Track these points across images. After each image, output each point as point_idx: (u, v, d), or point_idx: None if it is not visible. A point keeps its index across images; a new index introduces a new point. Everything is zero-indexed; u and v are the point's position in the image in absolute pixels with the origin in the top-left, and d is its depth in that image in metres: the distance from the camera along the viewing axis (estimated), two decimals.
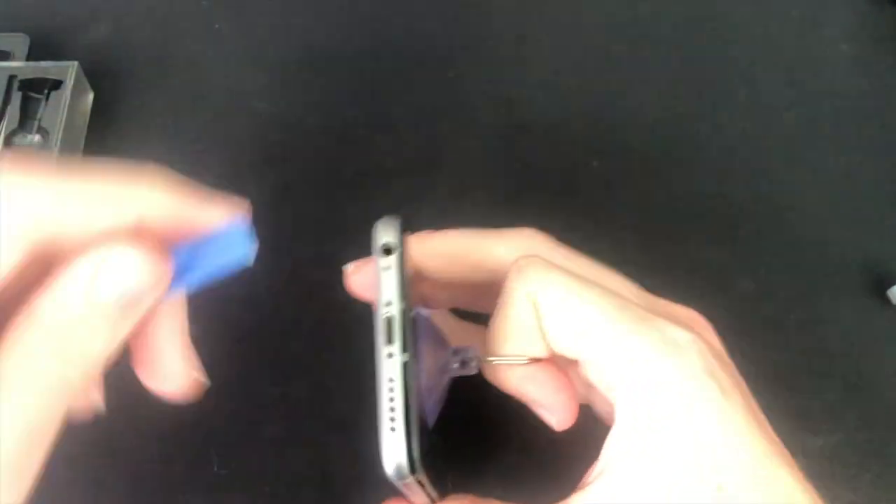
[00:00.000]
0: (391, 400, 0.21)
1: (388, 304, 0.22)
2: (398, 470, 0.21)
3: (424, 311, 0.28)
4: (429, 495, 0.24)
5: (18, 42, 0.45)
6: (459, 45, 0.48)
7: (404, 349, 0.22)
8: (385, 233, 0.24)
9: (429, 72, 0.47)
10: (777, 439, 0.25)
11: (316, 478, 0.36)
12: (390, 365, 0.21)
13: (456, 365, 0.26)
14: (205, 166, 0.43)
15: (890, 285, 0.40)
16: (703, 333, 0.25)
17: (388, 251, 0.23)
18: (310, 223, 0.42)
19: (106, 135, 0.44)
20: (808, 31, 0.49)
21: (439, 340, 0.27)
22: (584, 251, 0.29)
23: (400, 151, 0.44)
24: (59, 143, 0.41)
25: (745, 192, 0.43)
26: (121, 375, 0.24)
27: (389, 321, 0.22)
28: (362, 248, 0.41)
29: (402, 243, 0.24)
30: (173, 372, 0.22)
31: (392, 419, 0.21)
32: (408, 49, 0.48)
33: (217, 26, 0.48)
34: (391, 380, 0.21)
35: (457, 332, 0.31)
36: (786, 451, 0.25)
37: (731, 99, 0.46)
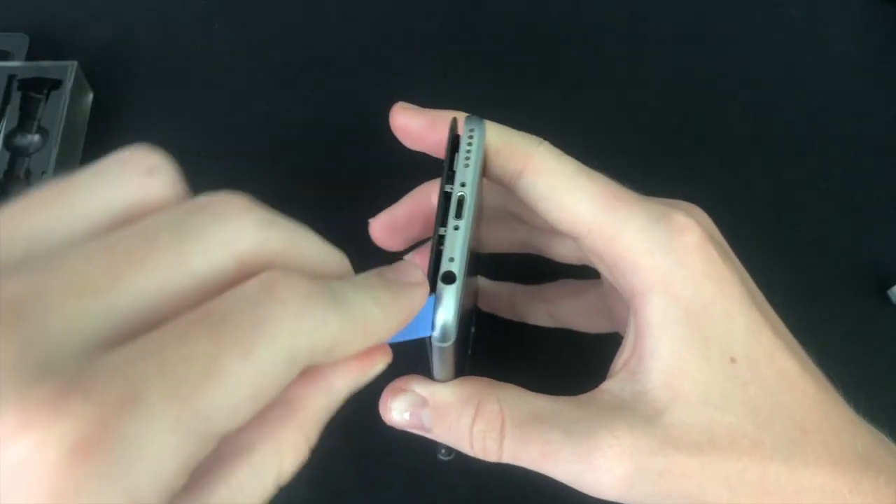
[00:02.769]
0: (451, 261, 0.22)
1: (463, 185, 0.23)
2: (444, 329, 0.21)
3: None
4: (450, 372, 0.25)
5: (18, 42, 0.45)
6: (459, 45, 0.48)
7: (468, 227, 0.23)
8: (472, 121, 0.25)
9: (429, 72, 0.47)
10: (770, 310, 0.27)
11: (316, 478, 0.36)
12: (455, 235, 0.22)
13: None
14: (205, 166, 0.43)
15: (890, 285, 0.40)
16: (699, 217, 0.27)
17: (471, 135, 0.24)
18: (310, 223, 0.42)
19: (106, 135, 0.44)
20: (808, 31, 0.49)
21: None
22: None
23: (400, 151, 0.44)
24: (58, 142, 0.41)
25: (746, 191, 0.43)
26: None
27: (461, 200, 0.23)
28: (362, 248, 0.41)
29: (483, 135, 0.25)
30: None
31: (448, 278, 0.21)
32: (408, 49, 0.48)
33: (217, 26, 0.48)
34: (452, 246, 0.22)
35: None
36: (779, 322, 0.26)
37: (731, 99, 0.46)
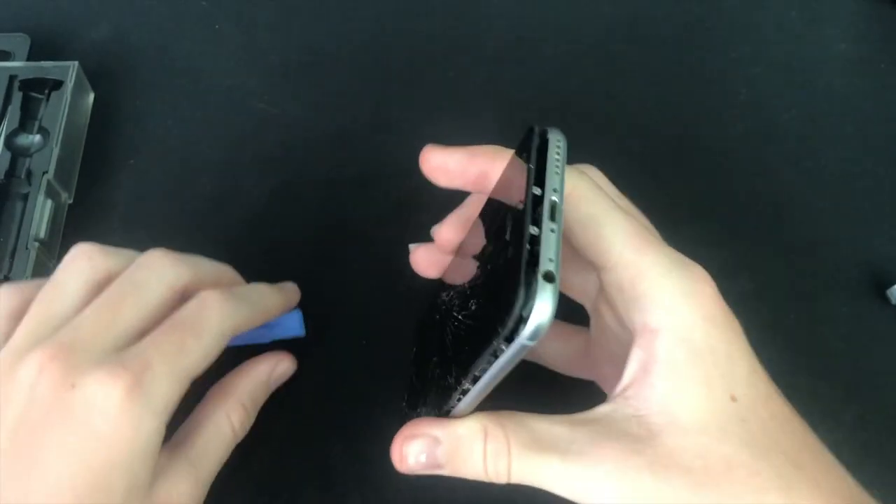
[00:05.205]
0: (550, 261, 0.22)
1: (555, 190, 0.24)
2: (539, 328, 0.22)
3: None
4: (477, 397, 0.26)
5: (19, 42, 0.45)
6: (460, 45, 0.48)
7: (561, 231, 0.23)
8: (557, 132, 0.25)
9: (429, 72, 0.47)
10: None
11: (316, 478, 0.36)
12: (552, 238, 0.23)
13: None
14: (205, 166, 0.43)
15: (890, 285, 0.40)
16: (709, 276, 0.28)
17: (558, 145, 0.25)
18: (310, 223, 0.42)
19: (106, 135, 0.44)
20: (808, 31, 0.49)
21: None
22: None
23: (400, 151, 0.44)
24: (59, 142, 0.41)
25: (745, 191, 0.43)
26: None
27: (554, 204, 0.23)
28: (362, 248, 0.41)
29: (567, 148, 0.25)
30: None
31: (547, 277, 0.22)
32: (408, 49, 0.48)
33: (217, 26, 0.48)
34: (550, 247, 0.23)
35: None
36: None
37: (731, 99, 0.46)
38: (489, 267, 0.27)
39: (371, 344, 0.39)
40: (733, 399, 0.25)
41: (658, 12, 0.49)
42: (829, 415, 0.37)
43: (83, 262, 0.31)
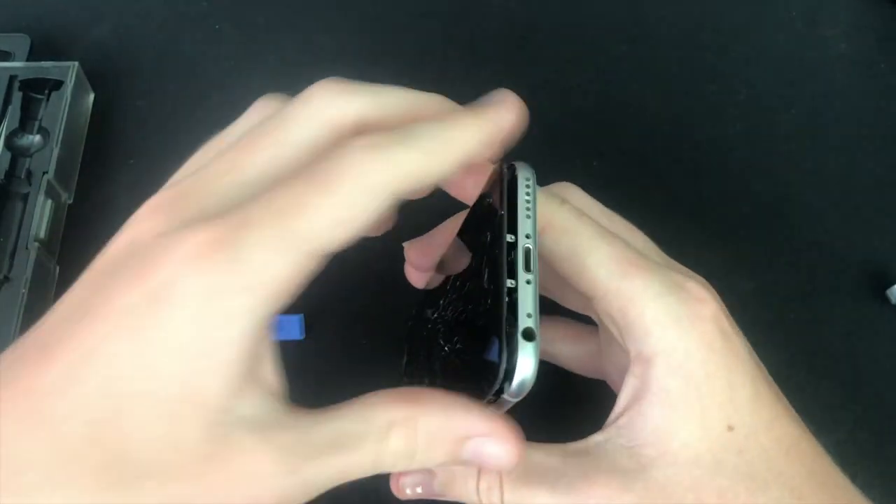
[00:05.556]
0: (528, 317, 0.22)
1: (528, 236, 0.23)
2: (522, 385, 0.22)
3: None
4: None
5: (19, 42, 0.45)
6: (459, 45, 0.48)
7: (537, 280, 0.23)
8: (525, 169, 0.25)
9: (429, 72, 0.47)
10: (772, 381, 0.27)
11: None
12: (528, 290, 0.23)
13: None
14: None
15: (890, 285, 0.40)
16: (711, 290, 0.27)
17: (527, 184, 0.24)
18: None
19: (106, 135, 0.44)
20: (807, 31, 0.49)
21: None
22: None
23: None
24: (59, 142, 0.41)
25: (745, 191, 0.43)
26: None
27: (528, 252, 0.23)
28: (362, 248, 0.41)
29: (536, 183, 0.25)
30: None
31: (527, 335, 0.22)
32: (407, 49, 0.48)
33: (217, 26, 0.48)
34: (527, 301, 0.22)
35: None
36: (780, 393, 0.27)
37: (731, 99, 0.46)
38: (469, 306, 0.26)
39: (371, 344, 0.39)
40: (730, 428, 0.24)
41: (658, 12, 0.49)
42: (830, 415, 0.37)
43: (318, 101, 0.23)
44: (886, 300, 0.40)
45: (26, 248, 0.38)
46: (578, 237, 0.26)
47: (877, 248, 0.42)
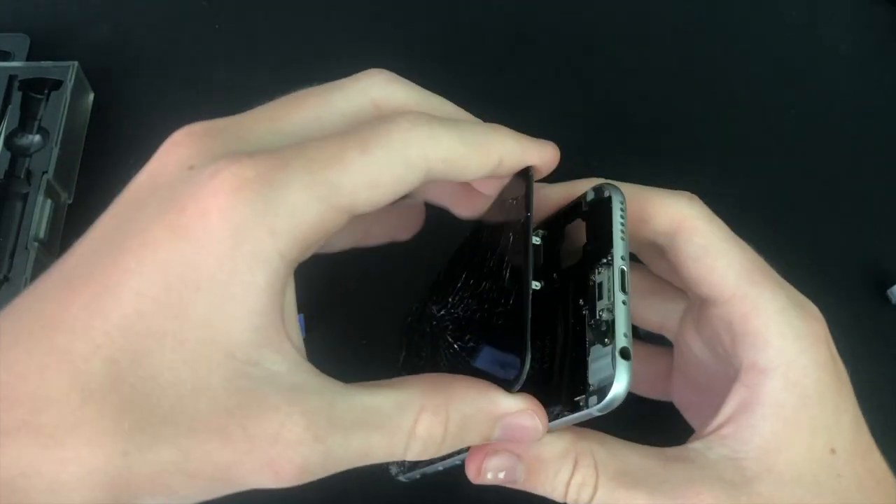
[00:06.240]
0: (625, 336, 0.22)
1: (623, 258, 0.24)
2: (614, 400, 0.22)
3: None
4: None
5: (19, 42, 0.45)
6: (459, 45, 0.48)
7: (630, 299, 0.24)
8: (617, 192, 0.25)
9: (428, 71, 0.47)
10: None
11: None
12: (624, 311, 0.23)
13: None
14: None
15: (890, 285, 0.40)
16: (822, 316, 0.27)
17: (622, 207, 0.25)
18: None
19: (106, 135, 0.44)
20: (807, 31, 0.49)
21: None
22: None
23: None
24: (59, 143, 0.41)
25: (745, 191, 0.43)
26: None
27: (623, 274, 0.24)
28: (362, 248, 0.41)
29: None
30: None
31: (624, 354, 0.22)
32: (407, 49, 0.48)
33: (217, 26, 0.48)
34: (624, 322, 0.23)
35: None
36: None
37: (731, 99, 0.46)
38: (486, 306, 0.26)
39: (371, 344, 0.39)
40: (833, 451, 0.24)
41: (658, 12, 0.49)
42: None
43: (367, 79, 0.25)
44: (886, 300, 0.40)
45: (26, 248, 0.38)
46: (711, 237, 0.27)
47: (877, 248, 0.42)
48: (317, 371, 0.21)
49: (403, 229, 0.30)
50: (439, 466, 0.28)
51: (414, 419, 0.22)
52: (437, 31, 0.49)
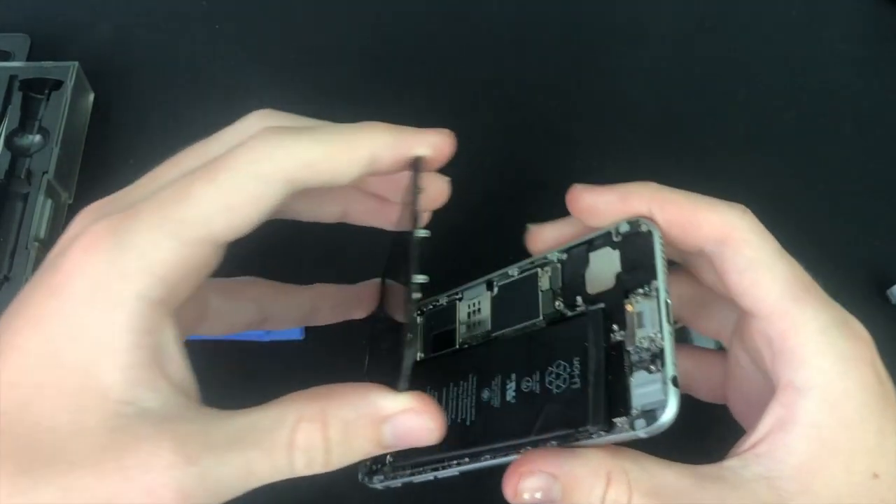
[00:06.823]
0: (674, 365, 0.23)
1: (667, 291, 0.24)
2: (661, 426, 0.23)
3: None
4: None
5: (19, 42, 0.45)
6: (459, 45, 0.48)
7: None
8: (657, 228, 0.26)
9: (429, 72, 0.47)
10: None
11: (316, 478, 0.36)
12: (671, 342, 0.24)
13: None
14: None
15: (890, 285, 0.40)
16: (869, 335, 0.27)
17: (662, 244, 0.25)
18: (310, 223, 0.42)
19: (106, 135, 0.44)
20: (808, 31, 0.49)
21: None
22: None
23: None
24: (59, 142, 0.41)
25: (746, 192, 0.43)
26: None
27: (668, 306, 0.24)
28: (363, 248, 0.41)
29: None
30: None
31: (675, 382, 0.23)
32: (408, 49, 0.48)
33: (217, 26, 0.48)
34: (672, 351, 0.23)
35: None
36: None
37: (731, 99, 0.46)
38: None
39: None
40: (875, 476, 0.24)
41: (658, 12, 0.49)
42: None
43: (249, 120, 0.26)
44: (886, 300, 0.40)
45: (26, 248, 0.38)
46: (760, 251, 0.26)
47: (877, 248, 0.42)
48: (196, 404, 0.22)
49: (357, 307, 0.34)
50: (430, 476, 0.28)
51: (291, 430, 0.22)
52: (437, 30, 0.49)
